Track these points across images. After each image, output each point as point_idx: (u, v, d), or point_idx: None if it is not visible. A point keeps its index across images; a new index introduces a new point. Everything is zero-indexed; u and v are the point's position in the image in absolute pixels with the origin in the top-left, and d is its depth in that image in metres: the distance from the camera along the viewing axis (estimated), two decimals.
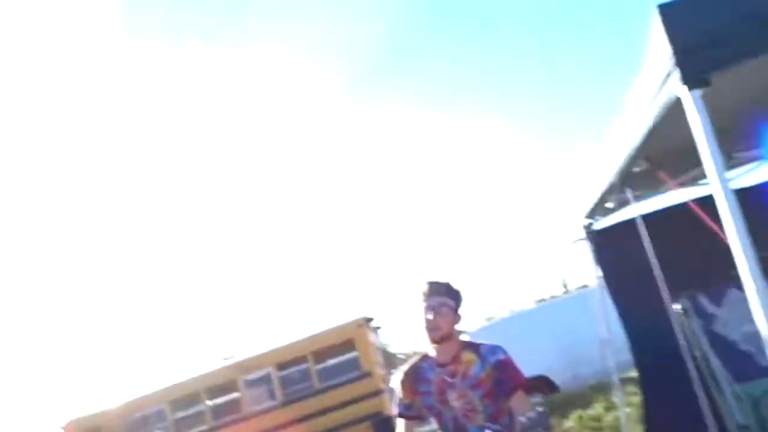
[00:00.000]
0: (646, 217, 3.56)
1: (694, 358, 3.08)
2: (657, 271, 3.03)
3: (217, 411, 10.89)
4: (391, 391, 2.66)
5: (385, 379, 11.26)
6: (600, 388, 7.31)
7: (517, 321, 11.36)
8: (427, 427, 2.79)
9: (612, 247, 4.05)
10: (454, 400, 2.44)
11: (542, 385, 10.14)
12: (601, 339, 9.09)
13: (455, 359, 2.47)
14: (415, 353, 2.72)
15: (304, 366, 10.70)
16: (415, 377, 2.56)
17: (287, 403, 10.52)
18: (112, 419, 10.77)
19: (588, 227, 4.17)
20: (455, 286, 2.54)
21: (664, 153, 3.11)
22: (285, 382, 10.76)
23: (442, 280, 2.54)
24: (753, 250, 1.89)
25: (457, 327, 2.52)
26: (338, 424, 10.11)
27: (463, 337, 2.59)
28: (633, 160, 2.97)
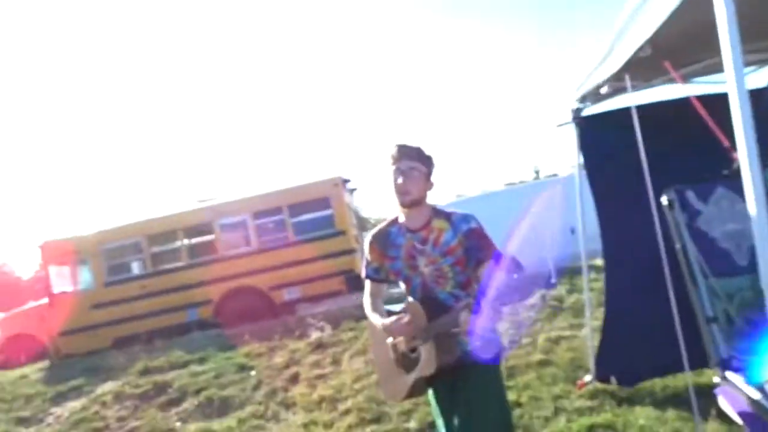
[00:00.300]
0: (640, 108, 3.46)
1: (671, 251, 3.12)
2: (645, 162, 2.98)
3: (193, 250, 11.16)
4: (362, 252, 2.65)
5: (358, 240, 11.57)
6: (563, 273, 7.57)
7: (487, 200, 11.53)
8: (397, 290, 2.81)
9: (600, 133, 3.98)
10: (424, 266, 2.44)
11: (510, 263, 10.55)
12: (571, 226, 9.33)
13: (426, 226, 2.45)
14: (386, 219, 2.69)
15: (279, 217, 10.86)
16: (383, 241, 2.54)
17: (262, 251, 10.79)
18: (89, 244, 10.98)
19: (577, 112, 4.08)
20: (427, 151, 2.47)
21: (673, 41, 2.95)
22: (260, 230, 10.96)
23: (413, 144, 2.46)
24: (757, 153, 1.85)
25: (428, 193, 2.47)
26: (311, 276, 10.47)
27: (435, 204, 2.55)
28: (639, 44, 2.82)
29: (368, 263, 2.60)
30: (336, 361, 6.02)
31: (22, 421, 6.05)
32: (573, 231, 9.87)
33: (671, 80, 3.54)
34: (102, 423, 5.61)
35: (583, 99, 4.05)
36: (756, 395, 2.35)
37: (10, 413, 6.26)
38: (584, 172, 4.35)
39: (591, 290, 5.16)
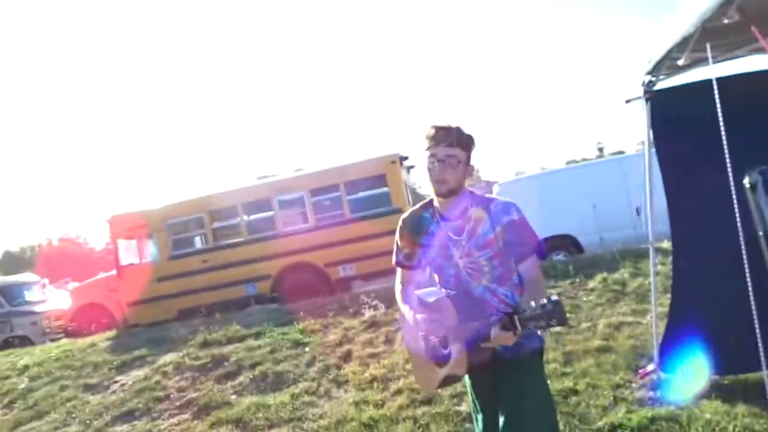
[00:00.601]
0: (722, 80, 3.17)
1: (750, 237, 2.86)
2: (725, 140, 2.72)
3: (252, 226, 11.37)
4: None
5: None
6: (627, 255, 7.24)
7: (547, 179, 11.14)
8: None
9: (673, 108, 3.70)
10: (458, 258, 2.27)
11: (567, 243, 10.22)
12: (636, 206, 8.92)
13: (462, 215, 2.27)
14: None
15: (335, 194, 10.89)
16: (416, 227, 2.38)
17: (318, 227, 10.86)
18: (155, 219, 11.35)
19: (648, 85, 3.79)
20: (466, 131, 2.24)
21: (764, 6, 2.68)
22: (317, 207, 11.03)
23: (452, 124, 2.23)
24: None
25: (467, 180, 2.28)
26: (366, 254, 10.46)
27: (474, 190, 2.36)
28: (724, 8, 2.55)
29: (399, 249, 2.46)
30: (389, 341, 5.98)
31: (89, 388, 6.33)
32: (638, 211, 9.51)
33: (758, 50, 3.24)
34: (163, 393, 5.79)
35: (656, 71, 3.77)
36: None
37: (79, 380, 6.57)
38: (653, 150, 4.08)
39: (657, 274, 4.89)
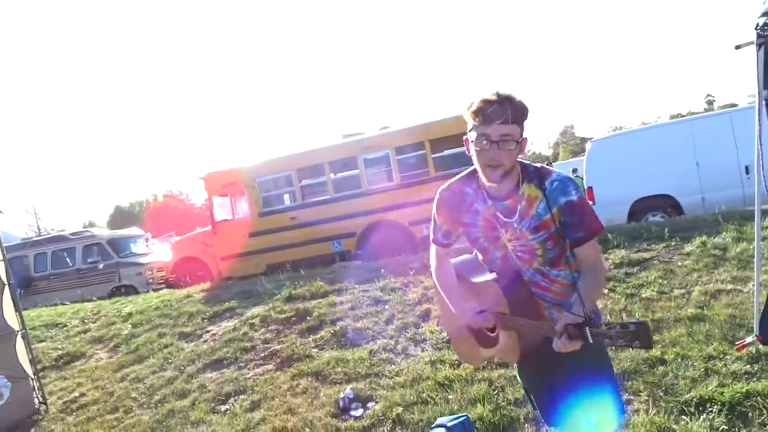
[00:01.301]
0: None
1: None
2: None
3: (338, 184, 11.50)
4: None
5: None
6: (731, 217, 6.69)
7: (647, 135, 10.42)
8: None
9: None
10: (507, 240, 2.05)
11: (666, 204, 9.57)
12: (746, 164, 8.17)
13: (512, 193, 2.00)
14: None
15: (420, 152, 10.77)
16: (457, 203, 2.12)
17: (403, 186, 10.83)
18: (246, 176, 11.74)
19: (763, 28, 3.36)
20: (519, 101, 1.91)
21: None
22: (401, 165, 10.98)
23: (503, 93, 1.90)
24: None
25: (520, 157, 2.00)
26: None
27: (525, 162, 2.07)
28: None
29: (437, 225, 2.22)
30: None
31: (183, 336, 6.75)
32: (748, 170, 8.73)
33: None
34: (249, 344, 6.06)
35: None
36: None
37: (175, 328, 7.01)
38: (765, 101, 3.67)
39: (763, 239, 4.48)
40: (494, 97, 1.90)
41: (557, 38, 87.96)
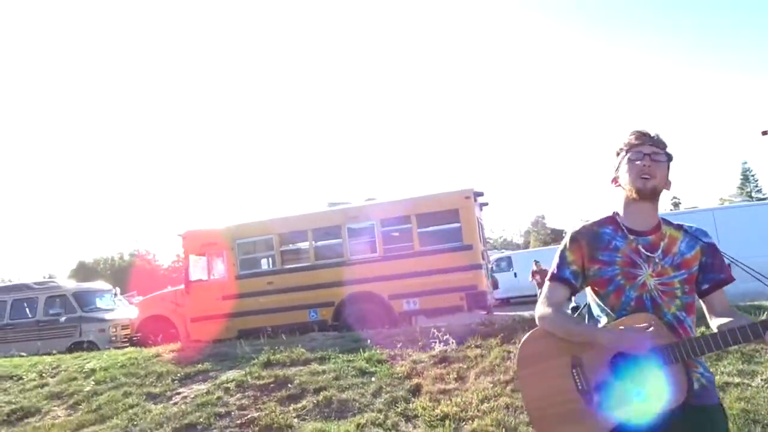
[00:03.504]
0: None
1: None
2: None
3: (320, 251, 11.32)
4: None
5: (484, 256, 11.12)
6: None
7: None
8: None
9: None
10: (648, 276, 1.97)
11: None
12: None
13: (655, 230, 2.02)
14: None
15: (406, 226, 10.72)
16: (594, 241, 2.06)
17: (386, 258, 10.68)
18: (226, 237, 11.48)
19: None
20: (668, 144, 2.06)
21: None
22: (386, 237, 10.88)
23: (660, 134, 2.06)
24: None
25: (666, 191, 2.05)
26: (432, 289, 10.21)
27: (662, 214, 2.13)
28: None
29: (566, 263, 2.09)
30: (461, 378, 5.66)
31: (151, 396, 6.27)
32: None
33: None
34: (224, 409, 5.65)
35: None
36: None
37: (142, 388, 6.53)
38: None
39: None
40: (645, 130, 2.06)
41: (535, 131, 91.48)
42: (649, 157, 1.99)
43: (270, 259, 11.76)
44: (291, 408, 5.50)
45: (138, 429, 5.50)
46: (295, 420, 5.25)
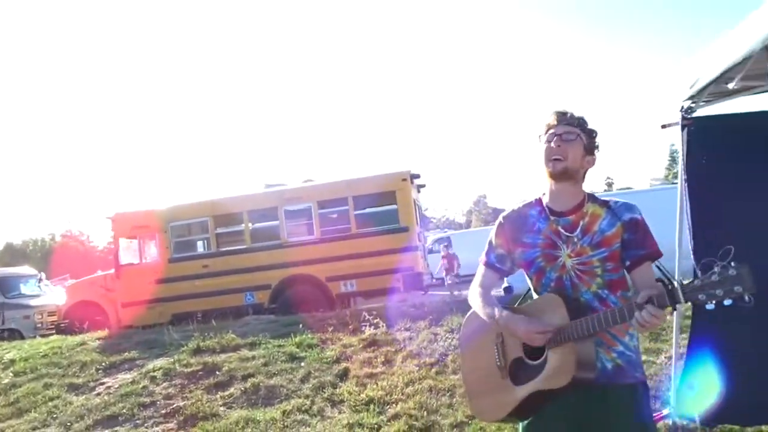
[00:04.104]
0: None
1: None
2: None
3: (256, 234, 11.18)
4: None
5: (420, 238, 11.26)
6: None
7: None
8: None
9: (710, 139, 3.48)
10: (566, 257, 2.00)
11: None
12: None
13: (577, 209, 2.03)
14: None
15: (344, 208, 10.70)
16: (519, 225, 2.11)
17: (324, 241, 10.66)
18: (159, 220, 11.18)
19: (687, 111, 3.57)
20: (590, 123, 2.06)
21: None
22: (324, 220, 10.85)
23: (575, 112, 2.06)
24: None
25: (586, 172, 2.06)
26: (369, 271, 10.26)
27: (592, 191, 2.13)
28: None
29: (492, 248, 2.16)
30: (388, 361, 5.74)
31: (73, 388, 6.10)
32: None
33: None
34: (149, 399, 5.55)
35: (698, 97, 3.54)
36: None
37: (64, 379, 6.34)
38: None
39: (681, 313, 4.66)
40: (565, 110, 2.08)
41: (478, 110, 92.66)
42: (559, 137, 2.00)
43: (205, 241, 11.53)
44: (218, 396, 5.46)
45: (57, 422, 5.35)
46: (222, 408, 5.22)
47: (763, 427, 3.72)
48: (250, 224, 11.16)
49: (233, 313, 9.54)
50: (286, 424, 4.77)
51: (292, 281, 10.66)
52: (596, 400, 1.94)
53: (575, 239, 2.00)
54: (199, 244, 11.82)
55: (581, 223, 2.01)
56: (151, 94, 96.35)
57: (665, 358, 4.85)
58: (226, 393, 5.48)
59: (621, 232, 1.99)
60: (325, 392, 5.22)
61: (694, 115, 3.55)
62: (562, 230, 2.02)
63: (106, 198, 77.18)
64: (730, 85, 3.04)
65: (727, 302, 1.65)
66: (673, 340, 4.12)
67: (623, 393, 1.96)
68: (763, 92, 3.51)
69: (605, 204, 2.05)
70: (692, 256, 3.69)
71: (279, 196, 11.14)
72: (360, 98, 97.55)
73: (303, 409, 4.99)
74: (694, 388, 3.77)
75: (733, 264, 1.59)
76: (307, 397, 5.20)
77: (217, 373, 5.90)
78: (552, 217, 2.05)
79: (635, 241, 1.98)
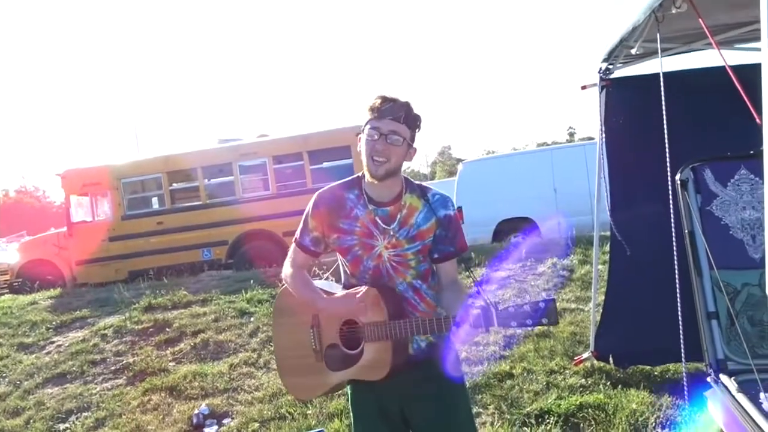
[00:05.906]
0: (669, 75, 3.11)
1: (680, 236, 2.83)
2: (666, 135, 2.66)
3: (211, 190, 11.11)
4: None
5: None
6: (579, 242, 7.28)
7: (513, 160, 11.17)
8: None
9: (623, 99, 3.65)
10: (383, 248, 2.04)
11: (526, 226, 10.25)
12: (592, 193, 8.96)
13: (395, 200, 2.04)
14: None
15: (299, 163, 10.70)
16: (336, 208, 2.07)
17: (279, 196, 10.67)
18: (111, 176, 11.00)
19: (604, 72, 3.72)
20: (415, 110, 2.01)
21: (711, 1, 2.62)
22: (279, 174, 10.84)
23: (400, 99, 2.00)
24: None
25: (407, 162, 2.05)
26: None
27: (408, 177, 2.14)
28: None
29: (308, 230, 2.12)
30: None
31: (23, 347, 6.15)
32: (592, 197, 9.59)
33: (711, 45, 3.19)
34: (99, 356, 5.65)
35: (613, 57, 3.69)
36: (748, 405, 2.12)
37: (14, 338, 6.37)
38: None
39: (602, 263, 4.92)
40: (391, 96, 1.99)
41: (440, 59, 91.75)
42: (385, 139, 1.94)
43: (158, 198, 11.42)
44: (168, 352, 5.59)
45: (6, 381, 5.43)
46: (171, 363, 5.36)
47: (670, 366, 4.02)
48: (204, 180, 11.08)
49: (190, 270, 9.60)
50: (232, 377, 4.94)
51: (248, 237, 10.70)
52: (412, 370, 2.01)
53: (392, 232, 2.01)
54: (154, 200, 11.71)
55: (398, 215, 2.03)
56: (112, 43, 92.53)
57: (592, 305, 5.14)
58: (176, 349, 5.62)
59: (435, 227, 2.03)
60: (272, 346, 5.39)
61: (612, 76, 3.72)
62: (380, 221, 2.03)
63: (61, 153, 74.97)
64: (633, 51, 3.18)
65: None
66: (592, 290, 4.38)
67: (437, 363, 2.04)
68: (676, 54, 3.69)
69: (423, 196, 2.06)
70: (608, 210, 3.93)
71: (234, 151, 11.06)
72: (320, 45, 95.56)
73: (250, 362, 5.16)
74: (609, 333, 4.06)
75: (547, 299, 1.75)
76: (254, 350, 5.37)
77: (168, 329, 6.02)
78: (370, 206, 2.04)
79: (447, 237, 2.04)
